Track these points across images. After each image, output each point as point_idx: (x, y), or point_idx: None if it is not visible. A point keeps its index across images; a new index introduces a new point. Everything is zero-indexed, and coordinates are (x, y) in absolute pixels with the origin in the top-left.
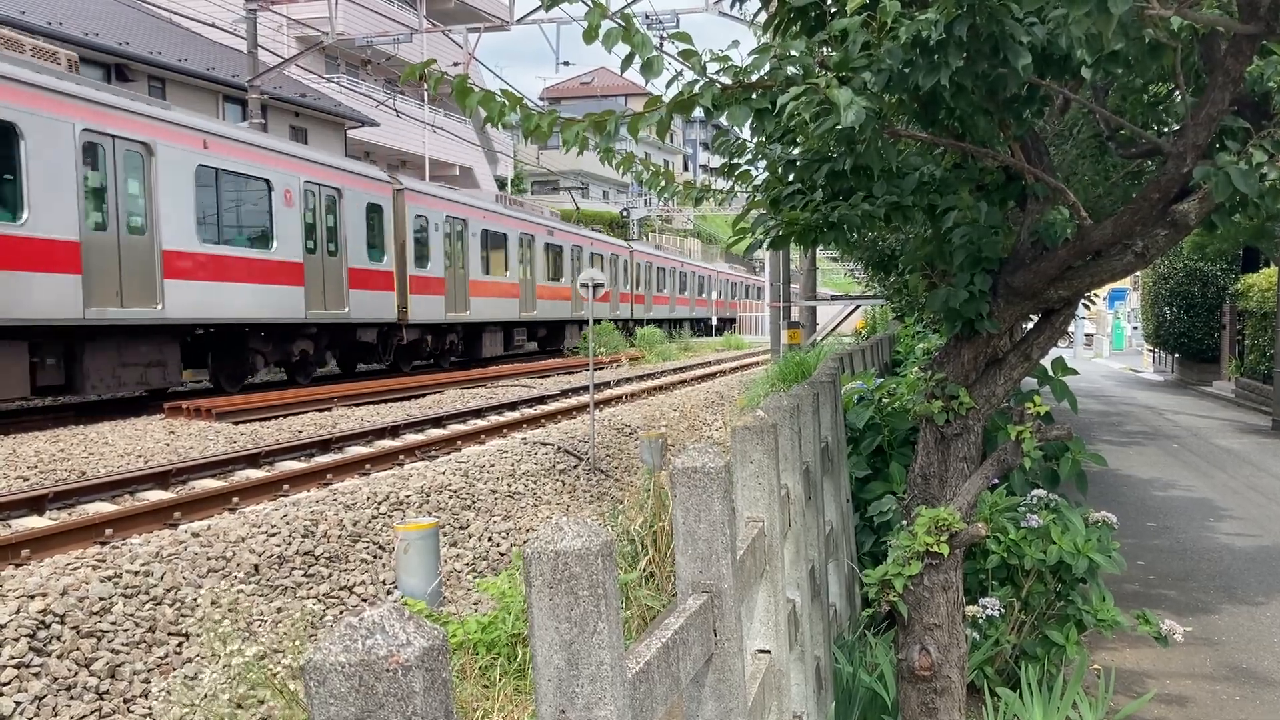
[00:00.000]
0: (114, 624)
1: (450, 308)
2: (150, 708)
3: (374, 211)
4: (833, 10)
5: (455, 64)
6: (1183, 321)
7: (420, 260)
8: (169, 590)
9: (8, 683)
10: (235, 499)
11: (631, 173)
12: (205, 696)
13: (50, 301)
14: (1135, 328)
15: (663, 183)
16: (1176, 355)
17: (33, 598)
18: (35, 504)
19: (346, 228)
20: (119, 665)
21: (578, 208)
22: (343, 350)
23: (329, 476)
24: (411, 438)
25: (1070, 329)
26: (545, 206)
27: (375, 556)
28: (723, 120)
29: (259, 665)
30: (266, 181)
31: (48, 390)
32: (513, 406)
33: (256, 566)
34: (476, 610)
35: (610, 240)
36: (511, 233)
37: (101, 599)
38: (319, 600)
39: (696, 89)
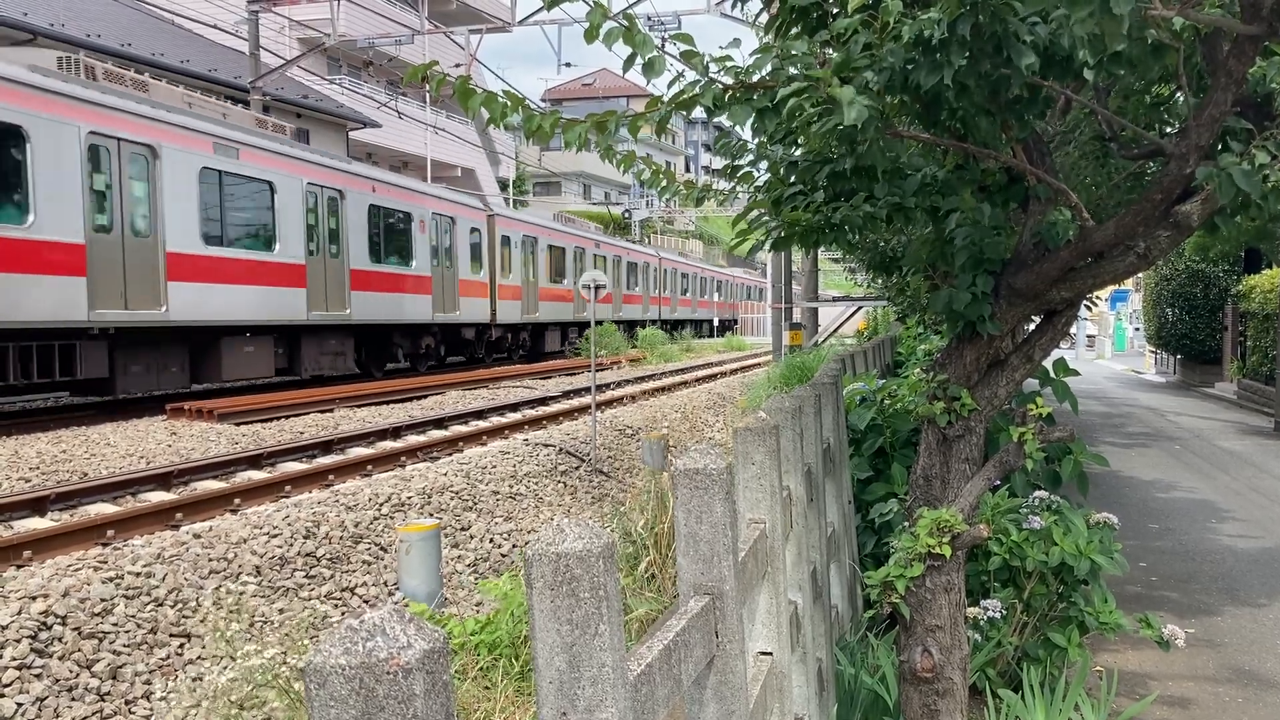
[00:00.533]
0: (116, 625)
1: (525, 311)
2: (152, 709)
3: (474, 233)
4: (834, 10)
5: (457, 65)
6: (1185, 323)
7: (504, 271)
8: (171, 591)
9: (9, 684)
10: (237, 500)
11: (633, 172)
12: (213, 695)
13: (290, 307)
14: (1137, 329)
15: (664, 182)
16: (1178, 357)
17: (34, 599)
18: (37, 505)
19: (458, 247)
20: (120, 666)
21: (606, 219)
22: (450, 345)
23: (331, 478)
24: (413, 439)
25: (1072, 330)
26: (548, 209)
27: (377, 558)
28: (724, 121)
29: (269, 666)
30: (409, 215)
31: (281, 372)
32: (515, 408)
33: (258, 568)
34: (478, 611)
35: (643, 250)
36: (569, 247)
37: (103, 600)
38: (321, 601)
39: (698, 89)
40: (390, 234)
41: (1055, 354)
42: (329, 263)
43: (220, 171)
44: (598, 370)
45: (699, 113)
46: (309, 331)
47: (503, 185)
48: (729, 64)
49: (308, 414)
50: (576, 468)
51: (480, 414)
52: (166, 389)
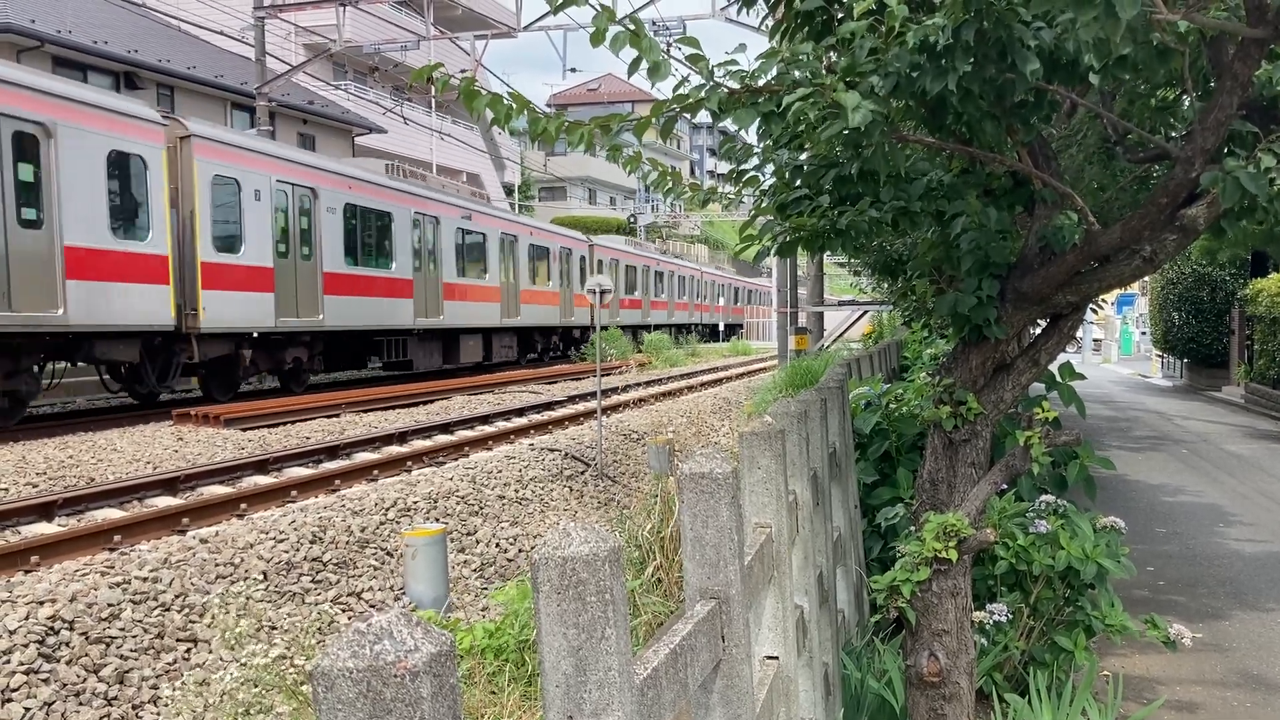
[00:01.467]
0: (123, 630)
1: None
2: (159, 713)
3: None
4: (839, 15)
5: (462, 71)
6: (1191, 326)
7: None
8: (177, 596)
9: (17, 688)
10: (243, 505)
11: (638, 173)
12: (222, 695)
13: (401, 315)
14: (1143, 333)
15: (670, 184)
16: (1185, 360)
17: (42, 604)
18: (44, 510)
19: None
20: (128, 671)
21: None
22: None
23: (337, 483)
24: (419, 444)
25: (1078, 334)
26: (553, 214)
27: (383, 563)
28: (729, 126)
29: (275, 666)
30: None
31: (395, 366)
32: (520, 413)
33: (265, 573)
34: (484, 616)
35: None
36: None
37: (110, 605)
38: (329, 606)
39: (704, 93)
40: (471, 254)
41: (1061, 358)
42: (431, 277)
43: None
44: (603, 375)
45: (703, 117)
46: (419, 334)
47: (508, 190)
48: (734, 68)
49: (314, 419)
50: (582, 472)
51: (486, 419)
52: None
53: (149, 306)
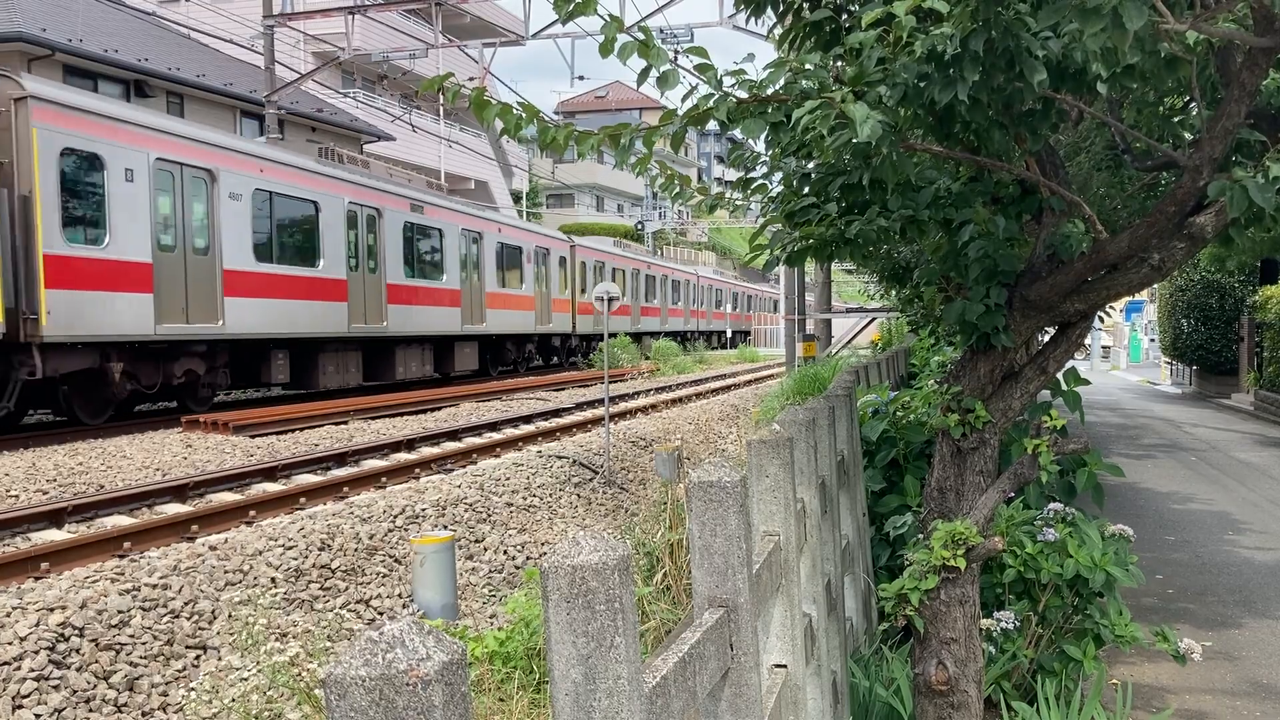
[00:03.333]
0: (132, 637)
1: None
2: None
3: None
4: (848, 25)
5: (471, 79)
6: (1200, 334)
7: (583, 292)
8: (187, 603)
9: (28, 695)
10: (252, 512)
11: (646, 176)
12: (233, 700)
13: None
14: (1152, 340)
15: (678, 188)
16: (1194, 368)
17: (52, 610)
18: (54, 517)
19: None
20: (137, 678)
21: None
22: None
23: (345, 490)
24: (427, 451)
25: (1087, 341)
26: (561, 221)
27: (391, 570)
28: (737, 134)
29: (289, 669)
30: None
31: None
32: (528, 419)
33: (274, 580)
34: (493, 623)
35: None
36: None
37: (120, 612)
38: (337, 613)
39: (711, 102)
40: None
41: (1069, 365)
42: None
43: None
44: (611, 382)
45: (712, 124)
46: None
47: (516, 197)
48: (743, 78)
49: (322, 426)
50: (590, 479)
51: (493, 426)
52: None
53: None
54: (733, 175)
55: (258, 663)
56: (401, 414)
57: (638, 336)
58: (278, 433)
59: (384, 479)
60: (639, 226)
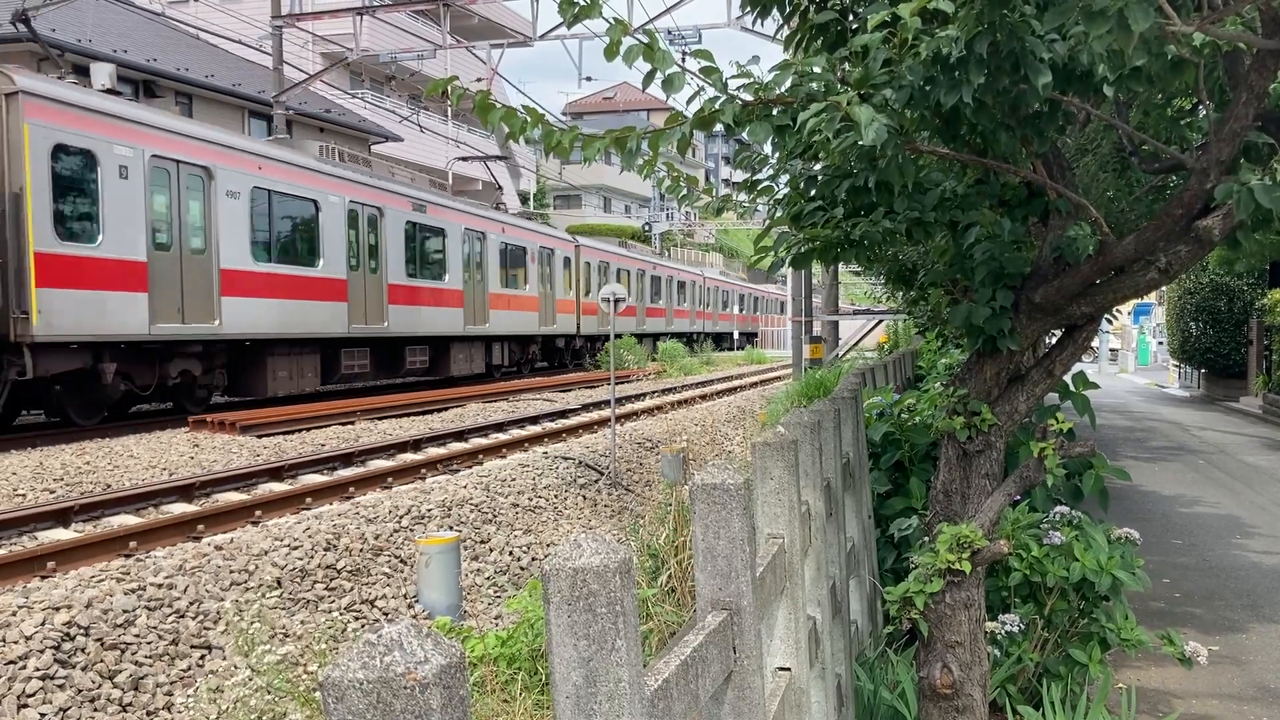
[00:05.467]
0: (138, 636)
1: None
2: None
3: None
4: (853, 27)
5: (478, 79)
6: (1209, 337)
7: (588, 292)
8: (192, 603)
9: (33, 694)
10: (258, 512)
11: (654, 178)
12: (236, 702)
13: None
14: (1160, 343)
15: (684, 190)
16: (1203, 371)
17: (58, 610)
18: (61, 516)
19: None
20: (142, 677)
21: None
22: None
23: (351, 490)
24: (433, 451)
25: (1094, 344)
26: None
27: (397, 570)
28: (744, 136)
29: (286, 667)
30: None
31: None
32: (534, 420)
33: (279, 580)
34: (498, 624)
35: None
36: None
37: (125, 611)
38: (342, 613)
39: (718, 105)
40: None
41: (1076, 368)
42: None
43: None
44: (617, 383)
45: (718, 127)
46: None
47: (523, 198)
48: (749, 80)
49: (329, 426)
50: (596, 480)
51: (500, 426)
52: None
53: None
54: (740, 176)
55: (253, 666)
56: (408, 414)
57: (643, 338)
58: (284, 433)
59: (390, 479)
60: (646, 228)
